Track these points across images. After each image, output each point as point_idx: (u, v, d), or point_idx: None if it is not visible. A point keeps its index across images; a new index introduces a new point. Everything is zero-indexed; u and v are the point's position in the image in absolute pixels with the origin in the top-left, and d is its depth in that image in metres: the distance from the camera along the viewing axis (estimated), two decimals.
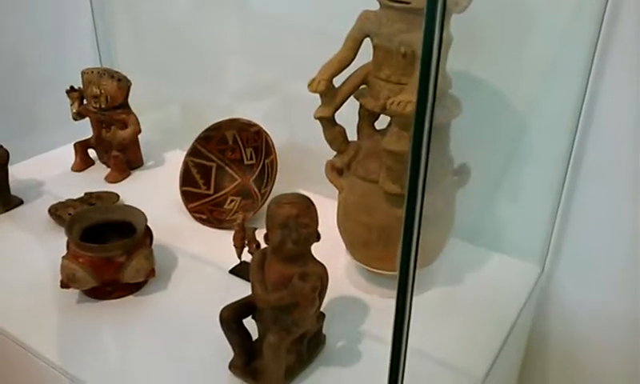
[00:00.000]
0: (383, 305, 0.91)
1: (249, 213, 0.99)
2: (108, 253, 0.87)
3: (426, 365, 0.81)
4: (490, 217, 1.06)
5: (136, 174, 1.32)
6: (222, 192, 1.18)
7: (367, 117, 0.89)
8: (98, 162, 1.35)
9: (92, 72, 1.28)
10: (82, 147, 1.33)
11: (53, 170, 1.31)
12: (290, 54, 1.19)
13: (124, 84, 1.25)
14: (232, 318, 0.75)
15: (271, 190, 1.10)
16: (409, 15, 0.78)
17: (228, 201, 1.17)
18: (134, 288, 0.92)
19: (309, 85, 0.84)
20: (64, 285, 0.87)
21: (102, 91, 1.24)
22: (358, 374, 0.79)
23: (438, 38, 0.38)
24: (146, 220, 0.93)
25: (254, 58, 1.27)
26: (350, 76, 0.87)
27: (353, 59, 0.85)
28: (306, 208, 0.72)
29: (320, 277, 0.72)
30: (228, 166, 1.20)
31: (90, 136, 1.34)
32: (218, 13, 1.28)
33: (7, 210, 1.14)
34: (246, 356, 0.77)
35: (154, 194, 1.20)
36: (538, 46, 0.92)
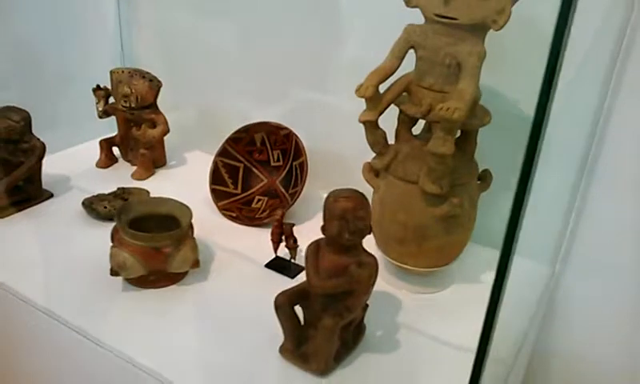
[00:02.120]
0: (413, 299, 0.97)
1: (282, 210, 1.03)
2: (157, 243, 0.91)
3: (455, 352, 0.87)
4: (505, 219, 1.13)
5: (160, 173, 1.35)
6: (250, 191, 1.23)
7: (406, 122, 0.95)
8: (120, 160, 1.39)
9: (122, 72, 1.32)
10: (107, 145, 1.36)
11: (78, 166, 1.33)
12: (308, 63, 1.26)
13: (155, 84, 1.29)
14: (287, 304, 0.79)
15: (302, 190, 1.15)
16: (454, 30, 0.85)
17: (255, 200, 1.22)
18: (176, 278, 0.96)
19: (356, 90, 0.90)
20: (114, 272, 0.90)
21: (133, 91, 1.28)
22: (396, 360, 0.85)
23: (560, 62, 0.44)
24: (191, 214, 0.97)
25: (270, 66, 1.33)
26: (392, 84, 0.93)
27: (397, 68, 0.91)
28: (362, 202, 0.77)
29: (374, 266, 0.77)
30: (255, 166, 1.25)
31: (114, 134, 1.38)
32: (241, 20, 1.33)
33: (39, 202, 1.17)
34: (296, 340, 0.81)
35: (181, 191, 1.22)
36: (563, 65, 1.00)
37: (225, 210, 1.18)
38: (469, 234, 0.97)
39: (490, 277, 1.06)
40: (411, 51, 0.91)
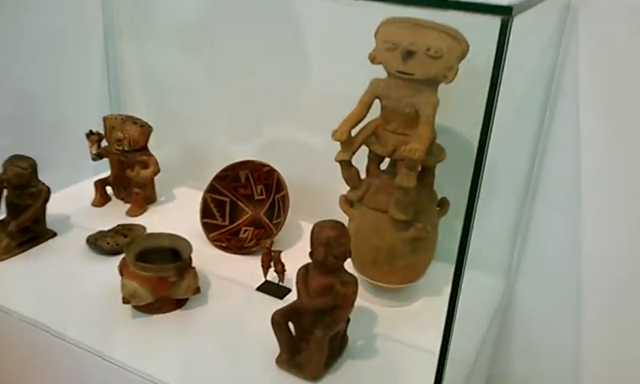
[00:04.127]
0: (387, 312, 1.13)
1: (271, 239, 1.18)
2: (164, 273, 1.04)
3: (425, 355, 1.02)
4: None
5: (152, 209, 1.48)
6: (237, 223, 1.37)
7: (375, 160, 1.11)
8: (114, 199, 1.51)
9: (115, 118, 1.44)
10: (101, 185, 1.48)
11: (75, 205, 1.44)
12: (289, 103, 1.41)
13: (146, 129, 1.43)
14: (282, 320, 0.94)
15: (284, 220, 1.29)
16: (412, 84, 1.02)
17: (242, 231, 1.36)
18: (179, 304, 1.09)
19: (332, 134, 1.05)
20: (125, 300, 1.03)
21: (126, 135, 1.41)
22: (376, 365, 0.99)
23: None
24: (191, 247, 1.10)
25: (250, 106, 1.48)
26: (362, 128, 1.09)
27: (365, 115, 1.08)
28: (343, 231, 0.92)
29: (355, 284, 0.92)
30: (240, 200, 1.39)
31: (107, 175, 1.50)
32: (220, 67, 1.48)
33: (45, 241, 1.28)
34: (290, 352, 0.95)
35: (173, 225, 1.34)
36: (502, 105, 1.18)
37: (215, 241, 1.31)
38: (432, 254, 1.13)
39: (447, 290, 1.23)
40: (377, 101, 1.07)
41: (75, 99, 1.59)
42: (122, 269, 1.07)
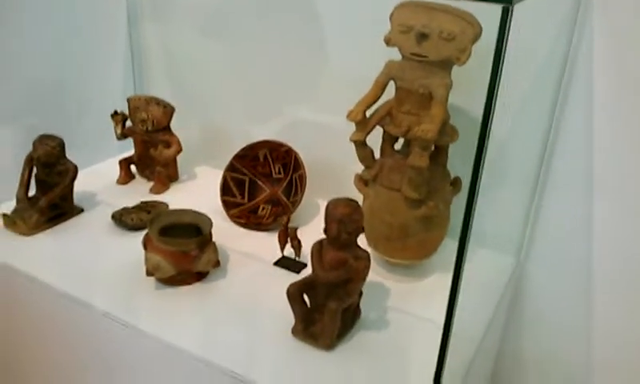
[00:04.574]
0: (399, 287, 1.16)
1: (287, 216, 1.22)
2: (186, 247, 1.09)
3: (432, 328, 1.06)
4: (476, 219, 1.33)
5: (174, 187, 1.53)
6: (255, 201, 1.41)
7: (389, 140, 1.14)
8: (137, 177, 1.56)
9: (139, 99, 1.49)
10: (125, 163, 1.54)
11: (100, 183, 1.50)
12: (307, 84, 1.45)
13: (169, 110, 1.47)
14: (297, 293, 0.98)
15: (301, 198, 1.33)
16: (426, 65, 1.05)
17: (260, 208, 1.40)
18: (200, 277, 1.14)
19: (347, 115, 1.09)
20: (149, 273, 1.08)
21: (149, 116, 1.46)
22: (387, 336, 1.03)
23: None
24: (211, 222, 1.15)
25: (269, 87, 1.51)
26: (377, 109, 1.12)
27: (380, 96, 1.11)
28: (356, 208, 0.96)
29: (368, 259, 0.96)
30: (259, 179, 1.43)
31: (131, 154, 1.55)
32: (241, 47, 1.51)
33: (72, 217, 1.34)
34: (305, 323, 1.00)
35: (195, 202, 1.39)
36: (516, 88, 1.20)
37: (235, 218, 1.36)
38: (444, 231, 1.17)
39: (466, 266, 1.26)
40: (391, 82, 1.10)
41: (100, 80, 1.64)
42: (146, 243, 1.13)
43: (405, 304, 1.11)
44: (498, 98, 0.63)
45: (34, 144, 1.28)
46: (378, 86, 1.10)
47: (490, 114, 0.62)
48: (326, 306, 0.96)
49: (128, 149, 1.67)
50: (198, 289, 1.13)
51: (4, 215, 1.28)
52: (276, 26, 1.44)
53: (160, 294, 1.10)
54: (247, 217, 1.38)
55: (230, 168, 1.40)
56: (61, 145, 1.29)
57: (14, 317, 1.22)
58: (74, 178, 1.31)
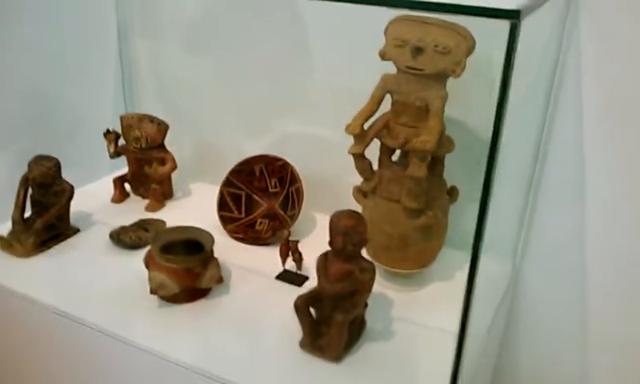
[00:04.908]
0: (402, 297, 1.18)
1: (288, 230, 1.23)
2: (189, 264, 1.09)
3: (439, 334, 1.08)
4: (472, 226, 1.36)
5: (170, 204, 1.53)
6: (252, 215, 1.42)
7: (386, 152, 1.17)
8: (132, 195, 1.56)
9: (132, 117, 1.49)
10: (120, 182, 1.53)
11: (94, 202, 1.49)
12: (299, 99, 1.47)
13: (163, 127, 1.48)
14: (304, 306, 0.99)
15: (299, 212, 1.35)
16: (422, 78, 1.07)
17: (258, 222, 1.41)
18: (203, 293, 1.14)
19: (346, 128, 1.10)
20: (153, 291, 1.08)
21: (143, 133, 1.46)
22: (393, 345, 1.05)
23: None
24: (213, 238, 1.16)
25: (261, 102, 1.53)
26: (374, 122, 1.14)
27: (377, 110, 1.13)
28: (360, 220, 0.98)
29: (373, 270, 0.98)
30: (255, 193, 1.44)
31: (125, 172, 1.55)
32: (232, 62, 1.53)
33: (69, 237, 1.33)
34: (312, 336, 1.01)
35: (191, 219, 1.38)
36: (514, 96, 1.23)
37: (232, 233, 1.37)
38: (443, 240, 1.19)
39: (461, 274, 1.29)
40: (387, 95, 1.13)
41: (90, 99, 1.63)
42: (148, 261, 1.13)
43: (409, 313, 1.13)
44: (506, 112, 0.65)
45: (30, 165, 1.27)
46: (374, 100, 1.13)
47: (499, 126, 0.65)
48: (333, 319, 0.97)
49: (120, 167, 1.67)
50: (202, 305, 1.13)
51: (0, 238, 1.26)
52: (266, 41, 1.46)
53: (164, 311, 1.10)
54: (245, 231, 1.38)
55: (227, 183, 1.41)
56: (57, 165, 1.28)
57: (12, 339, 1.20)
58: (71, 198, 1.31)
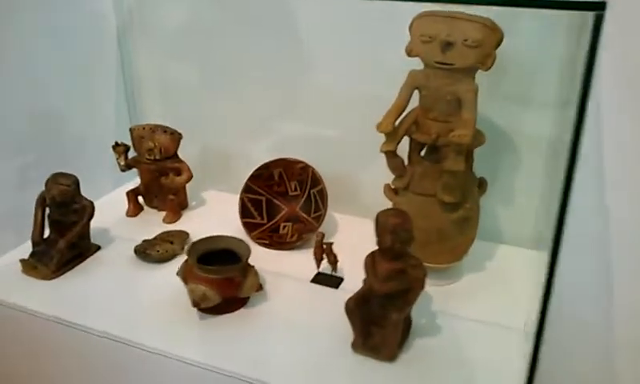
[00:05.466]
0: (439, 291, 1.18)
1: (322, 232, 1.22)
2: (230, 273, 1.08)
3: (484, 327, 1.09)
4: (493, 215, 1.37)
5: (186, 214, 1.51)
6: (275, 220, 1.41)
7: (416, 148, 1.17)
8: (146, 207, 1.53)
9: (143, 128, 1.46)
10: (133, 195, 1.50)
11: (109, 218, 1.45)
12: (306, 101, 1.47)
13: (176, 136, 1.45)
14: (355, 307, 0.99)
15: (325, 213, 1.34)
16: (451, 73, 1.08)
17: (282, 227, 1.40)
18: (243, 303, 1.13)
19: (377, 127, 1.10)
20: (195, 304, 1.06)
21: (157, 144, 1.43)
22: (443, 340, 1.05)
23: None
24: (247, 246, 1.14)
25: (267, 105, 1.52)
26: (403, 119, 1.14)
27: (406, 106, 1.13)
28: (407, 217, 0.98)
29: (424, 266, 0.98)
30: (275, 197, 1.43)
31: (137, 185, 1.52)
32: (235, 66, 1.51)
33: (91, 255, 1.30)
34: (364, 336, 1.01)
35: (212, 228, 1.36)
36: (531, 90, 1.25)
37: (258, 239, 1.35)
38: (476, 232, 1.20)
39: (490, 265, 1.30)
40: None
41: (92, 113, 1.59)
42: (185, 274, 1.11)
43: (449, 307, 1.14)
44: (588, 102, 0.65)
45: (47, 184, 1.23)
46: (403, 97, 1.13)
47: (581, 124, 0.65)
48: (388, 317, 0.97)
49: (126, 181, 1.64)
50: (243, 315, 1.11)
51: (22, 261, 1.22)
52: (271, 44, 1.45)
53: (207, 324, 1.08)
54: (270, 237, 1.37)
55: (246, 189, 1.40)
56: (76, 183, 1.25)
57: (47, 365, 1.17)
58: (92, 215, 1.27)
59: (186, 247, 1.19)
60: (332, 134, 1.47)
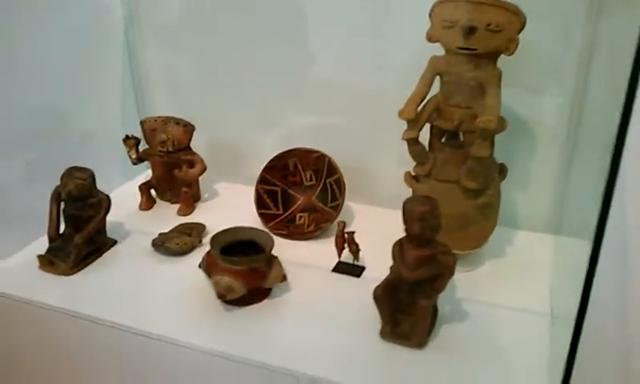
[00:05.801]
0: (462, 278, 1.17)
1: (343, 221, 1.21)
2: (255, 264, 1.07)
3: (509, 313, 1.09)
4: (509, 200, 1.37)
5: (200, 206, 1.49)
6: (291, 210, 1.40)
7: (438, 135, 1.16)
8: (158, 200, 1.51)
9: (155, 120, 1.45)
10: (146, 188, 1.48)
11: (121, 211, 1.42)
12: (313, 91, 1.46)
13: (189, 128, 1.43)
14: (384, 294, 0.98)
15: (343, 202, 1.33)
16: (474, 58, 1.07)
17: (298, 217, 1.39)
18: (266, 293, 1.12)
19: (399, 114, 1.10)
20: (221, 296, 1.05)
21: (169, 136, 1.41)
22: (470, 326, 1.05)
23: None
24: (270, 236, 1.13)
25: (277, 96, 1.51)
26: (424, 105, 1.14)
27: (428, 93, 1.12)
28: (435, 205, 0.97)
29: (454, 253, 0.98)
30: (290, 188, 1.42)
31: (149, 178, 1.50)
32: (241, 55, 1.49)
33: (108, 249, 1.28)
34: (392, 324, 1.00)
35: (228, 219, 1.32)
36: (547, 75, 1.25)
37: (275, 230, 1.34)
38: (497, 218, 1.20)
39: (510, 250, 1.30)
40: None
41: (98, 107, 1.56)
42: (208, 266, 1.10)
43: (473, 293, 1.13)
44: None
45: (63, 178, 1.21)
46: (424, 83, 1.12)
47: (628, 115, 0.63)
48: (416, 304, 0.97)
49: (135, 174, 1.62)
50: (268, 305, 1.11)
51: (40, 256, 1.20)
52: (278, 34, 1.44)
53: (233, 315, 1.07)
54: (287, 227, 1.36)
55: (261, 180, 1.39)
56: (92, 176, 1.23)
57: (71, 361, 1.15)
58: (108, 209, 1.25)
59: (203, 239, 1.18)
60: (343, 123, 1.46)
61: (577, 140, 1.28)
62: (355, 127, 1.45)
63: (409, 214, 0.97)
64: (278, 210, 1.39)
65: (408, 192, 1.22)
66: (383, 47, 1.35)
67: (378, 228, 1.31)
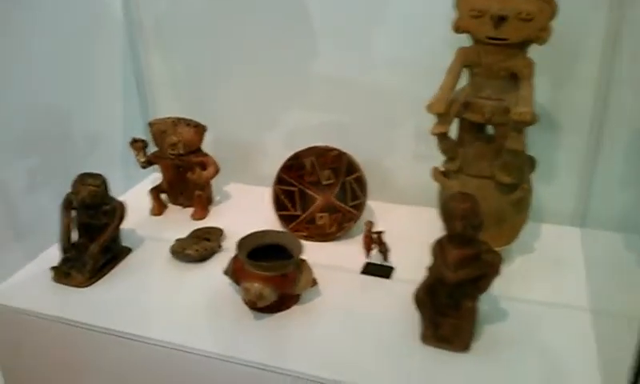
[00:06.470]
0: None
1: (371, 221, 1.17)
2: (286, 269, 1.02)
3: (545, 308, 1.06)
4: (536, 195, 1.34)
5: (213, 209, 1.44)
6: (309, 211, 1.35)
7: (467, 128, 1.13)
8: (170, 205, 1.46)
9: (164, 122, 1.39)
10: (156, 193, 1.42)
11: (132, 218, 1.34)
12: (318, 90, 1.42)
13: (200, 129, 1.38)
14: (425, 297, 0.95)
15: (365, 201, 1.29)
16: (504, 48, 1.04)
17: (318, 217, 1.34)
18: (296, 299, 1.07)
19: (429, 108, 1.06)
20: (251, 303, 1.01)
21: (180, 138, 1.36)
22: (513, 325, 1.02)
23: None
24: (297, 239, 1.09)
25: (284, 96, 1.47)
26: (453, 99, 1.10)
27: (456, 85, 1.09)
28: (476, 203, 0.93)
29: (498, 252, 0.94)
30: (307, 188, 1.37)
31: (159, 182, 1.44)
32: (246, 55, 1.45)
33: (124, 258, 1.23)
34: (434, 327, 0.97)
35: (244, 222, 1.27)
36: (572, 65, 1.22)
37: (295, 231, 1.30)
38: (528, 213, 1.17)
39: (537, 245, 1.26)
40: None
41: (102, 111, 1.50)
42: (236, 272, 1.05)
43: (508, 290, 1.10)
44: None
45: (75, 185, 1.16)
46: (453, 75, 1.08)
47: None
48: (459, 306, 0.93)
49: (141, 179, 1.57)
50: (298, 311, 1.06)
51: (54, 268, 1.15)
52: (285, 33, 1.40)
53: (264, 323, 1.03)
54: (307, 228, 1.32)
55: (278, 181, 1.34)
56: (104, 182, 1.17)
57: (94, 379, 1.10)
58: (123, 216, 1.20)
59: (222, 244, 1.13)
60: (354, 120, 1.42)
61: (601, 130, 1.26)
62: (367, 124, 1.42)
63: (450, 212, 0.93)
64: (296, 210, 1.35)
65: (424, 188, 1.19)
66: (392, 43, 1.32)
67: (396, 225, 1.28)
